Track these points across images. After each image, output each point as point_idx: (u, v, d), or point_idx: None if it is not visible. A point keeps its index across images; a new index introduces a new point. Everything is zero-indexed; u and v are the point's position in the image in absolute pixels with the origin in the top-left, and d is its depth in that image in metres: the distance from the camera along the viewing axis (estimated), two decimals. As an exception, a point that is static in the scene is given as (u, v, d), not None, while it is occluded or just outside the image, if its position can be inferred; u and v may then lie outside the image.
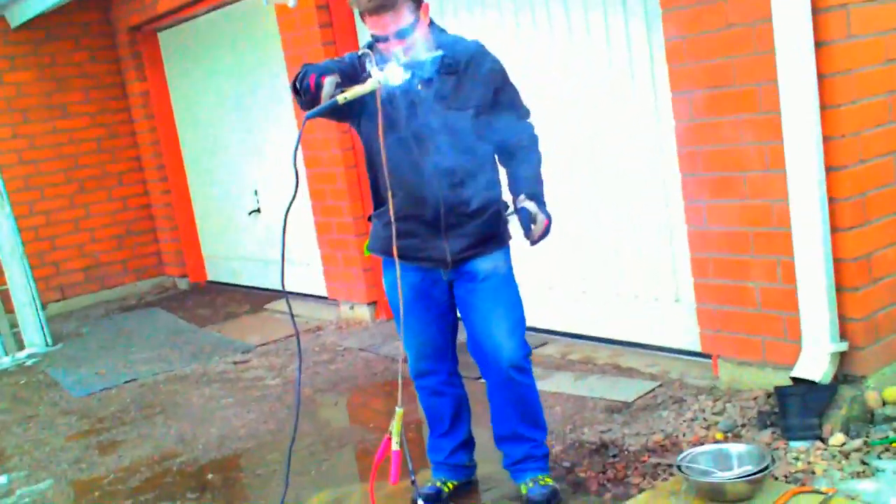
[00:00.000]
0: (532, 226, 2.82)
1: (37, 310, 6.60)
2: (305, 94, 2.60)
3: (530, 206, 2.84)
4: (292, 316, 2.74)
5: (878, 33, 3.23)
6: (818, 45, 3.12)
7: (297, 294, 6.61)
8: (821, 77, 3.14)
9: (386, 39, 2.61)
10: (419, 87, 2.67)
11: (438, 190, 2.76)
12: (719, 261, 3.65)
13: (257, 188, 7.12)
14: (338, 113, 2.63)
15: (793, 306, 3.37)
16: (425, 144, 2.74)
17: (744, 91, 3.38)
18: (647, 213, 4.19)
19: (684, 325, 4.06)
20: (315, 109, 2.56)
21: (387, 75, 2.51)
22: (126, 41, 7.87)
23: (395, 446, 2.61)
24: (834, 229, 3.23)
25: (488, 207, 2.85)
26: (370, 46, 2.70)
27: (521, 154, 2.95)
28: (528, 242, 2.90)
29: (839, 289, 3.27)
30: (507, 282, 2.96)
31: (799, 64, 3.11)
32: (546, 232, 2.88)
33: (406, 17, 2.59)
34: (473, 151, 2.81)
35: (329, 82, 2.52)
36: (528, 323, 4.95)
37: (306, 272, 6.47)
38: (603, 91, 4.23)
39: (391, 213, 2.69)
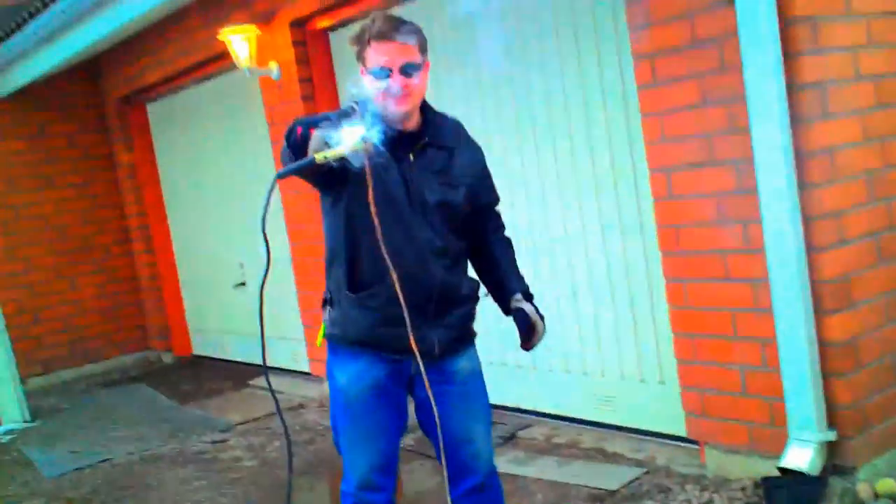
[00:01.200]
0: (533, 332, 2.64)
1: (16, 385, 6.44)
2: (293, 149, 2.28)
3: (529, 309, 2.64)
4: (274, 396, 2.47)
5: (856, 112, 3.15)
6: (795, 122, 3.04)
7: (280, 370, 6.46)
8: (799, 155, 3.05)
9: (388, 74, 2.40)
10: (411, 157, 2.49)
11: (436, 271, 2.52)
12: (702, 342, 3.51)
13: (243, 261, 7.02)
14: (324, 178, 2.35)
15: (778, 391, 3.22)
16: (422, 220, 2.50)
17: (721, 168, 3.29)
18: (630, 292, 4.06)
19: (670, 409, 3.89)
20: (287, 167, 2.24)
21: (368, 131, 2.18)
22: (115, 112, 7.88)
23: None
24: (818, 312, 3.10)
25: (473, 296, 2.66)
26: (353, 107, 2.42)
27: (502, 244, 2.78)
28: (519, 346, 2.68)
29: (826, 374, 3.12)
30: (482, 381, 2.74)
31: (775, 142, 3.02)
32: (541, 338, 2.69)
33: (415, 54, 2.43)
34: (462, 232, 2.64)
35: (316, 137, 2.20)
36: (512, 403, 4.93)
37: (289, 347, 6.33)
38: (585, 172, 4.15)
39: (400, 294, 2.33)
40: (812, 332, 3.09)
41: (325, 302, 2.67)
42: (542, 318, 2.67)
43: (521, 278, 2.75)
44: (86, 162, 7.98)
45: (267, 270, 2.25)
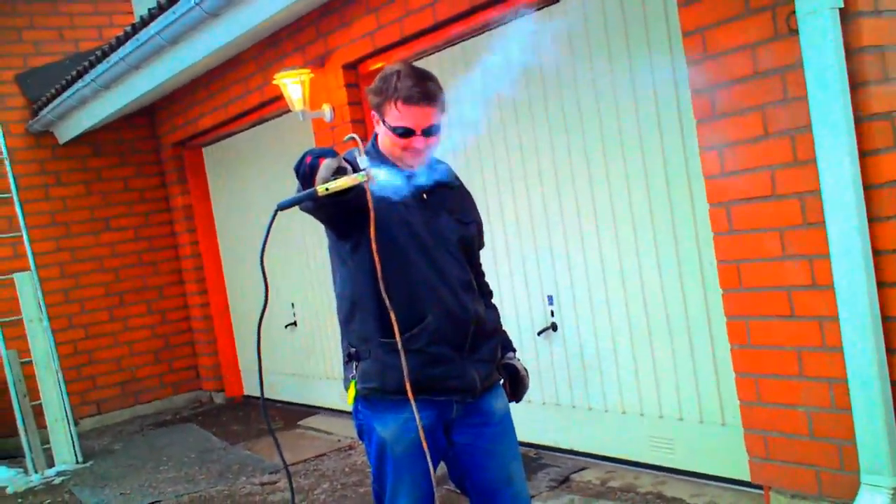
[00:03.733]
0: (521, 386, 2.69)
1: (69, 426, 6.49)
2: (302, 179, 2.21)
3: (520, 366, 2.70)
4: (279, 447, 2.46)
5: (928, 141, 3.06)
6: (863, 154, 2.96)
7: (330, 410, 6.41)
8: (867, 188, 2.96)
9: (411, 134, 2.40)
10: (424, 196, 2.48)
11: (468, 304, 2.50)
12: (766, 382, 3.40)
13: (294, 301, 7.05)
14: (335, 213, 2.29)
15: (848, 434, 3.09)
16: (448, 255, 2.50)
17: (785, 202, 3.21)
18: (689, 330, 3.97)
19: (732, 452, 3.76)
20: (289, 198, 2.15)
21: (376, 171, 2.18)
22: (170, 156, 8.03)
23: None
24: (890, 350, 2.98)
25: (498, 328, 2.67)
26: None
27: (490, 300, 2.73)
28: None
29: (899, 416, 2.99)
30: (512, 420, 2.69)
31: (844, 174, 2.94)
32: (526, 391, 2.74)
33: (438, 117, 2.44)
34: (480, 266, 2.67)
35: (326, 166, 2.11)
36: (565, 445, 4.82)
37: (339, 388, 6.28)
38: (641, 208, 4.09)
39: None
40: (885, 371, 2.97)
41: (350, 358, 2.54)
42: (526, 372, 2.73)
43: (508, 337, 2.79)
44: (142, 205, 8.13)
45: (265, 306, 2.19)
